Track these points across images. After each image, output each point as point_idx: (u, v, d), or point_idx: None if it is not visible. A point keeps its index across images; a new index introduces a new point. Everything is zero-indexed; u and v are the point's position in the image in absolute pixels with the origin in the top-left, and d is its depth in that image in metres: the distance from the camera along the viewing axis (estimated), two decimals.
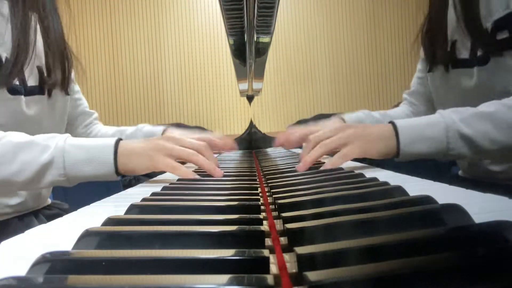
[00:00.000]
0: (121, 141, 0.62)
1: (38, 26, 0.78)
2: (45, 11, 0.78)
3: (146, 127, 0.98)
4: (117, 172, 0.61)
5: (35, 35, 0.76)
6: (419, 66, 1.03)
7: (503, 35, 0.72)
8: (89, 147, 0.60)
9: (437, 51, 0.88)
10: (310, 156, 0.65)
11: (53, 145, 0.59)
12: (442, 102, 0.90)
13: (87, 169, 0.60)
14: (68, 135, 0.62)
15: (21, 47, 0.71)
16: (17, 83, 0.72)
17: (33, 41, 0.74)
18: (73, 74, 0.94)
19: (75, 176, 0.60)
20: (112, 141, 0.61)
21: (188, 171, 0.62)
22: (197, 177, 0.62)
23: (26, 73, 0.74)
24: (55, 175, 0.59)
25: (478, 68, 0.77)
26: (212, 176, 0.62)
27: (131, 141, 0.64)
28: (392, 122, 0.64)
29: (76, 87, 0.98)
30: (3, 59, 0.70)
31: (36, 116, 0.77)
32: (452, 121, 0.62)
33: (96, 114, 1.03)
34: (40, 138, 0.61)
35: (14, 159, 0.58)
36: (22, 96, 0.73)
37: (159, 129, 0.95)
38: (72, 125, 0.98)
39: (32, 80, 0.77)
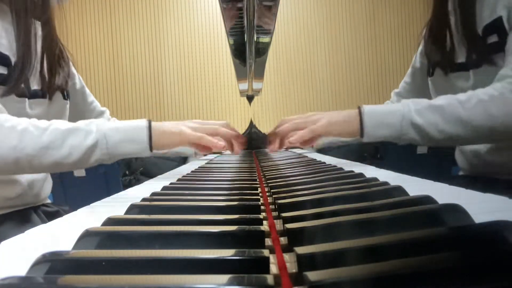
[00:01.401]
0: (153, 123, 0.71)
1: (39, 34, 0.82)
2: (44, 20, 0.82)
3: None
4: (150, 149, 0.70)
5: (35, 43, 0.79)
6: (408, 71, 1.10)
7: (492, 39, 0.77)
8: (125, 128, 0.69)
9: (437, 56, 0.91)
10: (280, 130, 0.77)
11: (94, 129, 0.68)
12: None
13: (126, 148, 0.69)
14: (104, 119, 0.71)
15: (25, 56, 0.75)
16: (22, 86, 0.77)
17: (35, 49, 0.78)
18: (82, 79, 1.01)
19: (115, 154, 0.69)
20: (144, 122, 0.70)
21: (213, 140, 0.71)
22: (222, 144, 0.72)
23: (30, 77, 0.79)
24: (99, 155, 0.68)
25: (473, 71, 0.82)
26: (234, 150, 0.76)
27: (162, 122, 0.73)
28: (359, 108, 0.73)
29: (87, 90, 1.04)
30: (12, 64, 0.74)
31: (37, 117, 0.80)
32: (408, 111, 0.71)
33: (108, 111, 1.11)
34: (81, 124, 0.69)
35: (63, 144, 0.66)
36: (26, 99, 0.78)
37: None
38: None
39: (35, 84, 0.81)
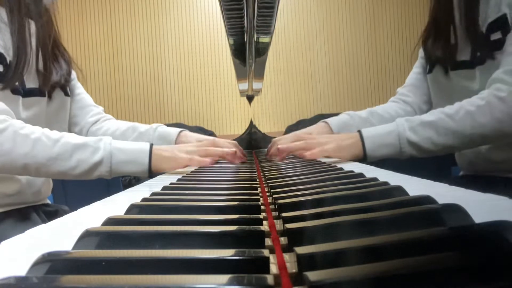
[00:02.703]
0: (153, 148, 0.77)
1: (35, 32, 0.84)
2: (41, 19, 0.85)
3: (160, 128, 1.04)
4: (150, 171, 0.76)
5: (31, 40, 0.81)
6: (417, 63, 1.09)
7: (496, 36, 0.79)
8: (129, 151, 0.75)
9: (437, 53, 0.92)
10: (289, 145, 0.83)
11: (102, 147, 0.73)
12: (441, 102, 0.93)
13: (127, 167, 0.75)
14: (110, 138, 0.76)
15: (20, 51, 0.78)
16: (17, 84, 0.79)
17: (31, 45, 0.81)
18: (74, 75, 1.01)
19: (117, 172, 0.75)
20: (147, 147, 0.76)
21: (204, 160, 0.78)
22: (209, 162, 0.78)
23: (25, 75, 0.81)
24: (102, 171, 0.73)
25: (479, 67, 0.83)
26: (232, 162, 0.82)
27: (161, 147, 0.80)
28: (359, 132, 0.80)
29: (77, 83, 1.04)
30: (8, 62, 0.77)
31: (34, 116, 0.83)
32: (403, 130, 0.78)
33: (101, 108, 1.11)
34: (90, 140, 0.74)
35: (71, 157, 0.71)
36: (20, 97, 0.80)
37: (174, 131, 1.03)
38: (77, 116, 1.04)
39: (31, 83, 0.83)
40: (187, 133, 1.03)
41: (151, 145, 0.77)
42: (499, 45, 0.79)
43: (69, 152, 0.71)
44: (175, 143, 1.00)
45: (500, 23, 0.79)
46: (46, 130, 0.73)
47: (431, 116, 0.78)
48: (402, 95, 1.10)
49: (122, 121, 1.11)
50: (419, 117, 0.79)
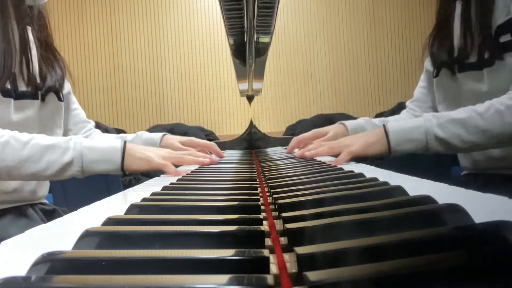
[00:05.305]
0: (127, 145, 0.76)
1: (31, 38, 0.86)
2: (23, 20, 0.85)
3: (145, 135, 1.06)
4: (122, 169, 0.75)
5: (14, 42, 0.81)
6: (422, 76, 1.10)
7: (505, 39, 0.80)
8: (101, 149, 0.75)
9: (444, 56, 0.94)
10: (315, 149, 0.83)
11: (72, 147, 0.73)
12: (449, 105, 0.94)
13: (99, 167, 0.74)
14: (81, 138, 0.76)
15: (6, 52, 0.78)
16: (9, 87, 0.79)
17: (17, 46, 0.81)
18: (70, 86, 1.02)
19: (89, 171, 0.74)
20: (119, 145, 0.75)
21: (176, 170, 0.76)
22: (182, 174, 0.76)
23: (18, 78, 0.81)
24: (74, 171, 0.73)
25: (487, 70, 0.84)
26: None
27: (135, 146, 0.78)
28: (384, 127, 0.79)
29: (73, 98, 1.05)
30: None
31: (27, 119, 0.83)
32: (431, 126, 0.77)
33: (93, 123, 1.10)
34: (60, 140, 0.74)
35: (41, 158, 0.71)
36: (12, 100, 0.80)
37: (157, 136, 1.05)
38: (71, 130, 1.05)
39: (24, 86, 0.83)
40: (169, 136, 1.05)
41: (125, 142, 0.76)
42: (510, 47, 0.79)
43: (39, 154, 0.71)
44: (159, 147, 1.01)
45: (509, 26, 0.80)
46: (16, 133, 0.72)
47: (461, 113, 0.77)
48: (411, 110, 1.13)
49: (109, 134, 1.13)
50: (447, 113, 0.79)
